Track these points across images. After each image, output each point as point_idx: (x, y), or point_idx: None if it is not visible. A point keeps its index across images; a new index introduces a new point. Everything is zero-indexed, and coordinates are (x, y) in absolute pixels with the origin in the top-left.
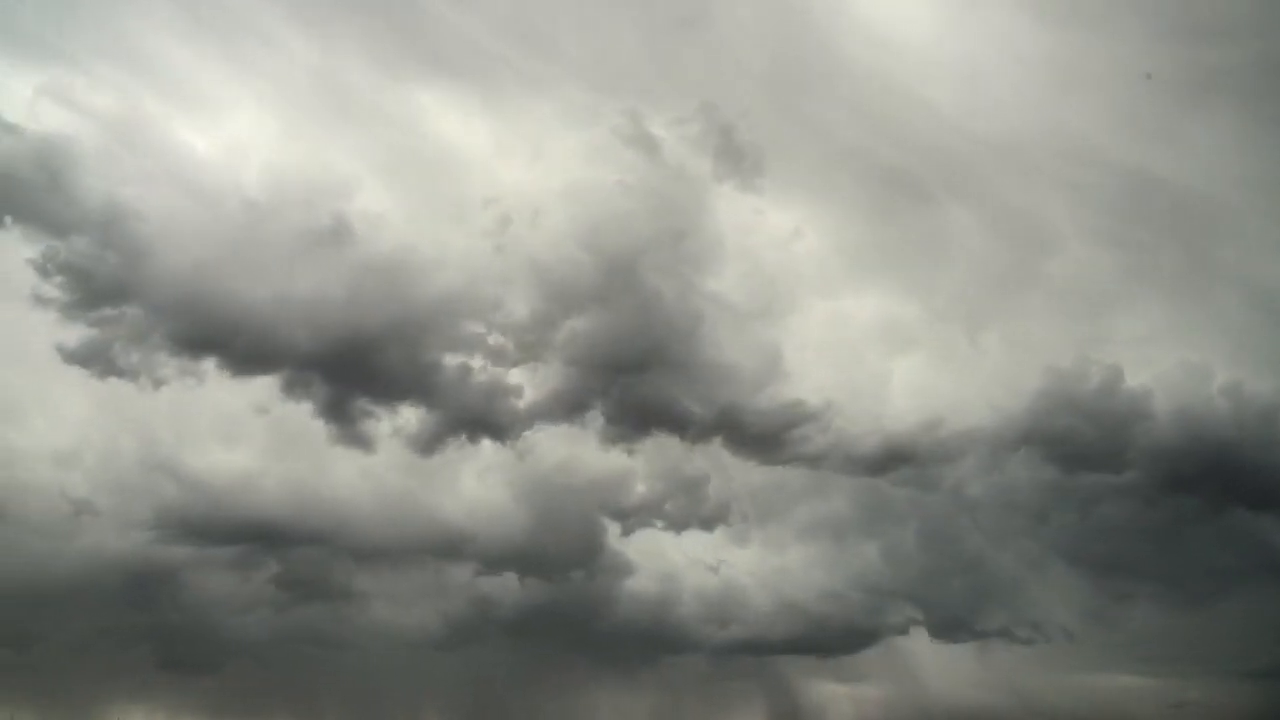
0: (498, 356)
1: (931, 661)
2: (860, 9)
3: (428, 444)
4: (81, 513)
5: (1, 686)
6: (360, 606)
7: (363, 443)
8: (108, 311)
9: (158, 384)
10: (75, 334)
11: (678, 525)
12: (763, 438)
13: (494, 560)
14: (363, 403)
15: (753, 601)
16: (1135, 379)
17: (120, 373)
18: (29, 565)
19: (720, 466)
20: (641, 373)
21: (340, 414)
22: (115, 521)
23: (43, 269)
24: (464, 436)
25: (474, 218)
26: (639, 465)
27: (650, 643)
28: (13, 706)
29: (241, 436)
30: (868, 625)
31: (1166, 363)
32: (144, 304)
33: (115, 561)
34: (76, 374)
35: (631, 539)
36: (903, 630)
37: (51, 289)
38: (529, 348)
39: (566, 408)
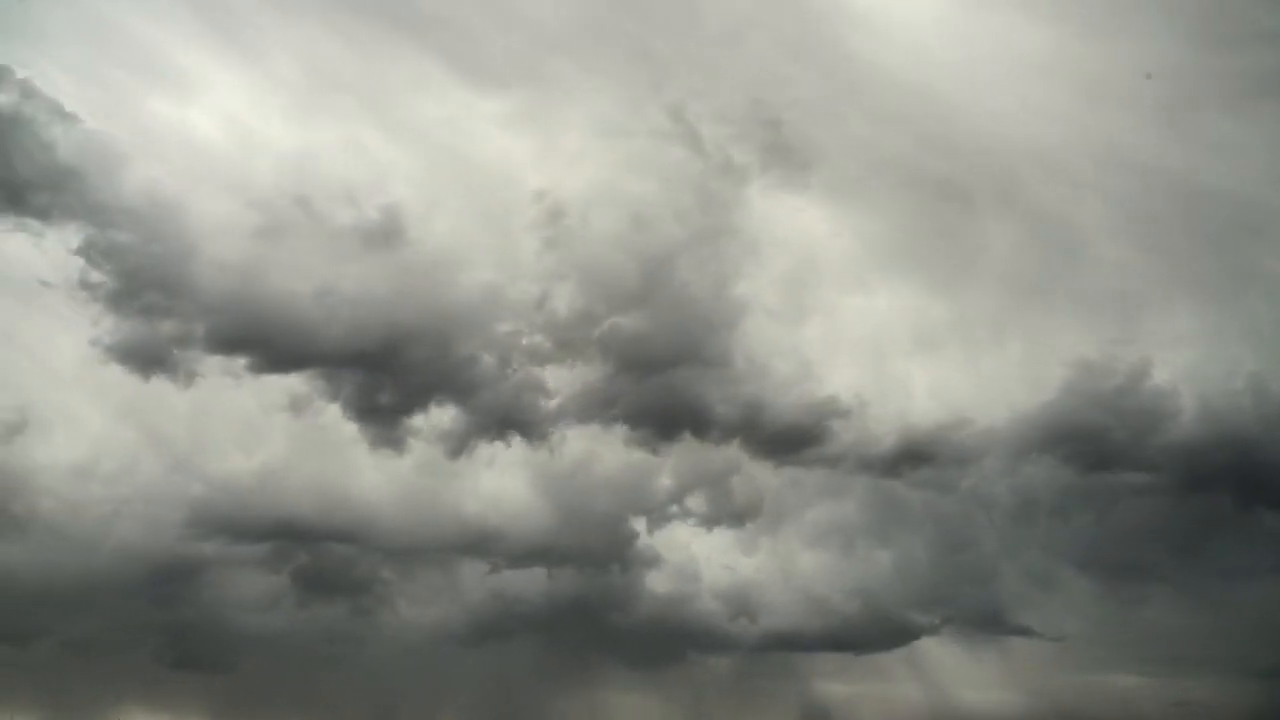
0: (532, 355)
1: (950, 661)
2: (889, 17)
3: (459, 441)
4: (113, 513)
5: (3, 686)
6: (387, 603)
7: (394, 441)
8: (151, 298)
9: (190, 377)
10: (112, 328)
11: (708, 522)
12: (786, 438)
13: (521, 557)
14: (396, 400)
15: (779, 600)
16: (1160, 376)
17: (158, 367)
18: (57, 562)
19: (740, 469)
20: (672, 371)
21: (372, 412)
22: (144, 519)
23: (88, 255)
24: (494, 434)
25: (515, 216)
26: (668, 463)
27: (677, 639)
28: (15, 706)
29: (273, 434)
30: (889, 625)
31: (1193, 361)
32: (183, 298)
33: (141, 558)
34: (113, 371)
35: (659, 535)
36: (923, 630)
37: (98, 275)
38: (566, 345)
39: (598, 405)
